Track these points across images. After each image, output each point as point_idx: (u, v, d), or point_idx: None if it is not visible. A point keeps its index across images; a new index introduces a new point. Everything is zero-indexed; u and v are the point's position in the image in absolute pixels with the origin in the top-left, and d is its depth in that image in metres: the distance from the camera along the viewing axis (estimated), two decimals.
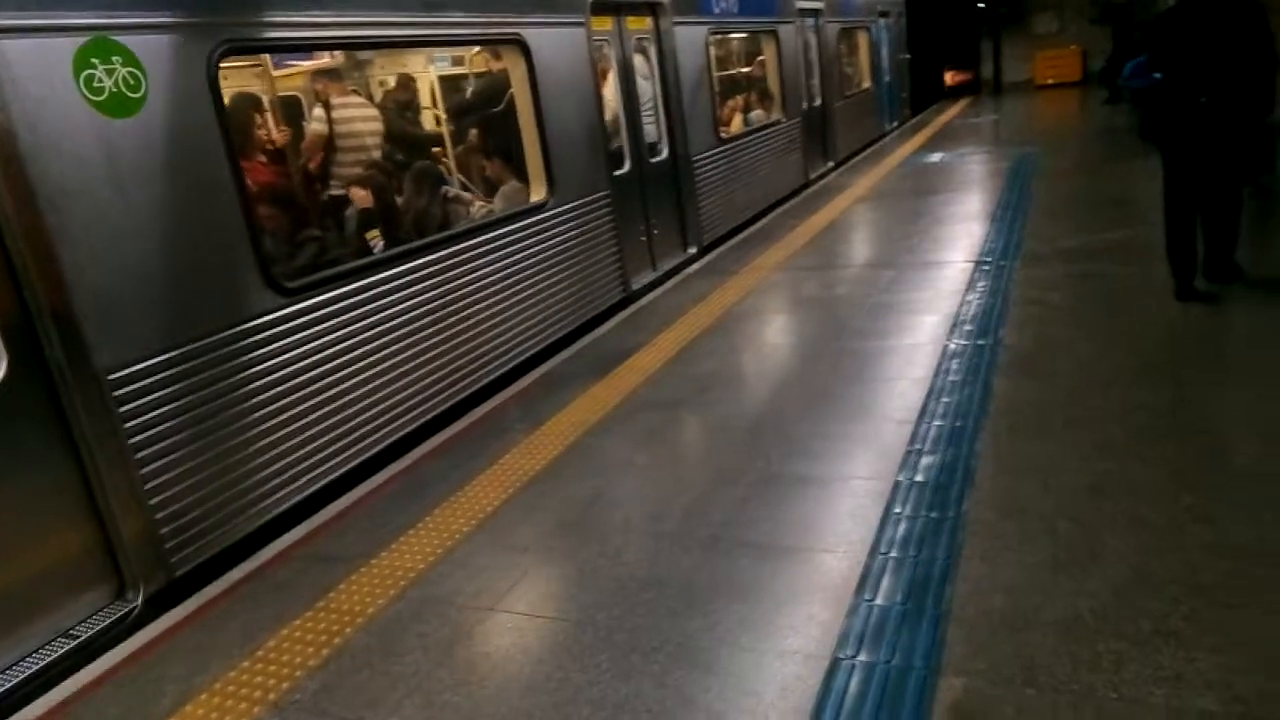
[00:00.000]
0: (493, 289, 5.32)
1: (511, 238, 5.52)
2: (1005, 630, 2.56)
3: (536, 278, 5.76)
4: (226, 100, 3.84)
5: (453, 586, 3.23)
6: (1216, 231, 5.27)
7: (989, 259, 6.67)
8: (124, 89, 3.32)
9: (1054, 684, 2.34)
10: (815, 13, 12.47)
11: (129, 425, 3.28)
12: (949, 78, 24.05)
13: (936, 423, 4.00)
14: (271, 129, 5.73)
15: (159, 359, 3.39)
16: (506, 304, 5.45)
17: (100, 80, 3.24)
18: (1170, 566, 2.74)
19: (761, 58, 11.20)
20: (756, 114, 10.73)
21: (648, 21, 7.72)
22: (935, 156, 12.97)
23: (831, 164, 13.14)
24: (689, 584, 3.04)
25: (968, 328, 5.20)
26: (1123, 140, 11.50)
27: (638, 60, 7.61)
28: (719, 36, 9.58)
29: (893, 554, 3.05)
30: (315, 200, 5.63)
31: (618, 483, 3.95)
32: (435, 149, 6.80)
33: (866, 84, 15.90)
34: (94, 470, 3.22)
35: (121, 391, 3.26)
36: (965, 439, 3.80)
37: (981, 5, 22.32)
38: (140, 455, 3.32)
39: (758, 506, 3.51)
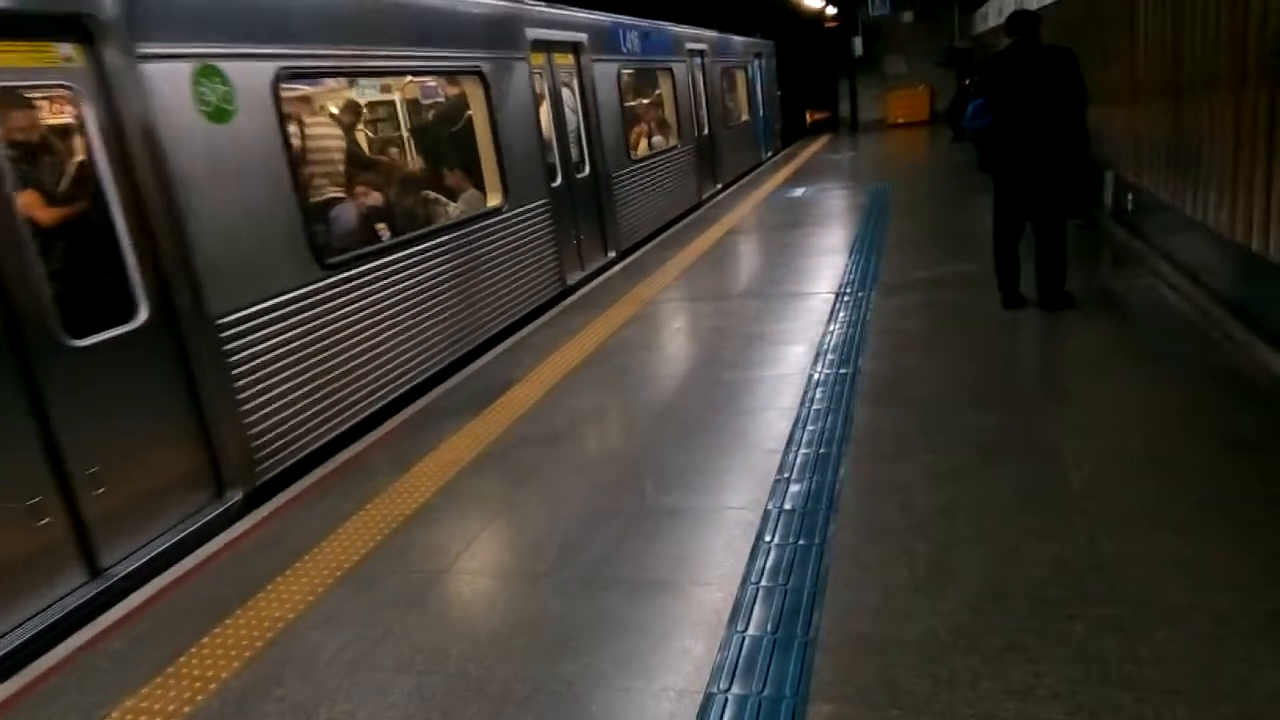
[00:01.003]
0: (468, 273, 6.44)
1: (478, 233, 6.66)
2: (870, 654, 2.64)
3: (499, 266, 6.90)
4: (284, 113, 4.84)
5: (314, 644, 3.07)
6: (1046, 263, 5.73)
7: (849, 290, 6.97)
8: (222, 102, 4.33)
9: (916, 704, 2.42)
10: (701, 53, 14.08)
11: (231, 360, 4.23)
12: (810, 116, 25.22)
13: (803, 451, 4.12)
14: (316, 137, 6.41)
15: (250, 310, 4.36)
16: (480, 286, 6.59)
17: (207, 96, 4.25)
18: (1017, 583, 2.90)
19: (659, 91, 12.59)
20: (658, 139, 12.07)
21: (571, 58, 8.98)
22: (798, 191, 13.51)
23: (719, 186, 14.64)
24: (563, 626, 3.00)
25: (830, 357, 5.40)
26: (967, 176, 12.30)
27: (565, 91, 8.81)
28: (628, 72, 10.95)
29: (763, 583, 3.11)
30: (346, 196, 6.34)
31: (491, 524, 3.87)
32: (417, 160, 7.82)
33: (745, 117, 17.52)
34: (206, 396, 4.14)
35: (226, 334, 4.21)
36: (830, 466, 3.93)
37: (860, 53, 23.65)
38: (238, 384, 4.26)
39: (633, 542, 3.51)
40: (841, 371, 5.11)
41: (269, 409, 4.44)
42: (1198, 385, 4.37)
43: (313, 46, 5.09)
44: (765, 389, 5.06)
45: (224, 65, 4.35)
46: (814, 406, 4.63)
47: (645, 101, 12.35)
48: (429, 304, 5.89)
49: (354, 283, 5.14)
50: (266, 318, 4.46)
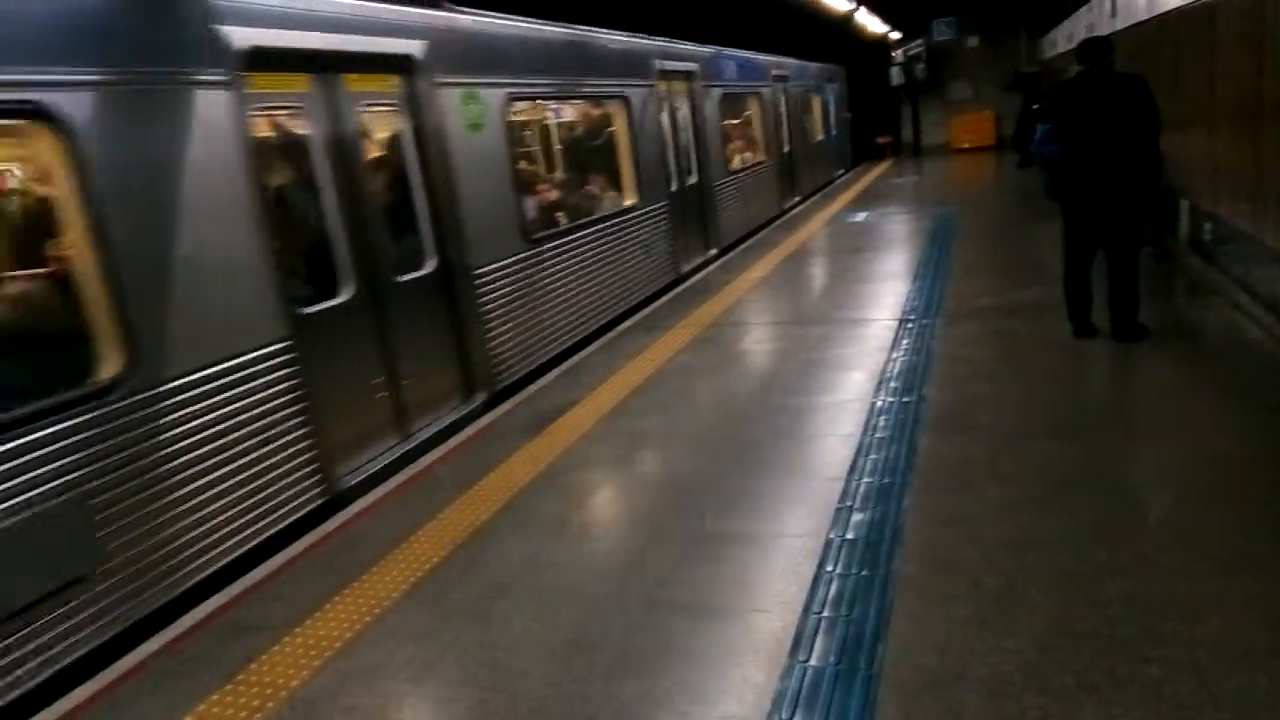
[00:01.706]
0: (613, 255, 8.18)
1: (620, 226, 8.38)
2: (935, 689, 2.60)
3: (634, 252, 8.65)
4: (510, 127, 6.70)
5: (382, 656, 3.14)
6: (1119, 293, 5.60)
7: (913, 316, 6.89)
8: (478, 118, 6.08)
9: None
10: (784, 78, 15.60)
11: (480, 300, 5.93)
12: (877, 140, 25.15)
13: (866, 479, 4.09)
14: (524, 147, 8.32)
15: (493, 267, 6.09)
16: (622, 266, 8.35)
17: (470, 112, 5.98)
18: (1090, 620, 2.83)
19: (749, 113, 14.15)
20: (749, 155, 13.68)
21: (684, 84, 10.69)
22: (860, 216, 13.42)
23: (798, 198, 16.13)
24: (624, 648, 3.01)
25: (894, 384, 5.34)
26: (1035, 202, 12.07)
27: (679, 113, 10.51)
28: (727, 96, 12.52)
29: (825, 613, 3.08)
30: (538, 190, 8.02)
31: (552, 543, 3.91)
32: (579, 166, 9.21)
33: (820, 136, 19.17)
34: (465, 324, 5.77)
35: (479, 282, 5.91)
36: (894, 495, 3.88)
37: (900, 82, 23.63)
38: (484, 317, 5.95)
39: (693, 566, 3.51)
40: (905, 399, 5.05)
41: (501, 337, 6.14)
42: (1278, 421, 4.22)
43: (528, 77, 7.03)
44: (826, 415, 5.03)
45: (480, 91, 6.13)
46: (877, 434, 4.59)
47: (738, 121, 13.78)
48: (591, 273, 7.70)
49: (546, 254, 6.91)
50: (499, 273, 6.17)
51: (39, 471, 3.16)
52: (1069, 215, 5.76)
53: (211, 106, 3.99)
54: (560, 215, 7.76)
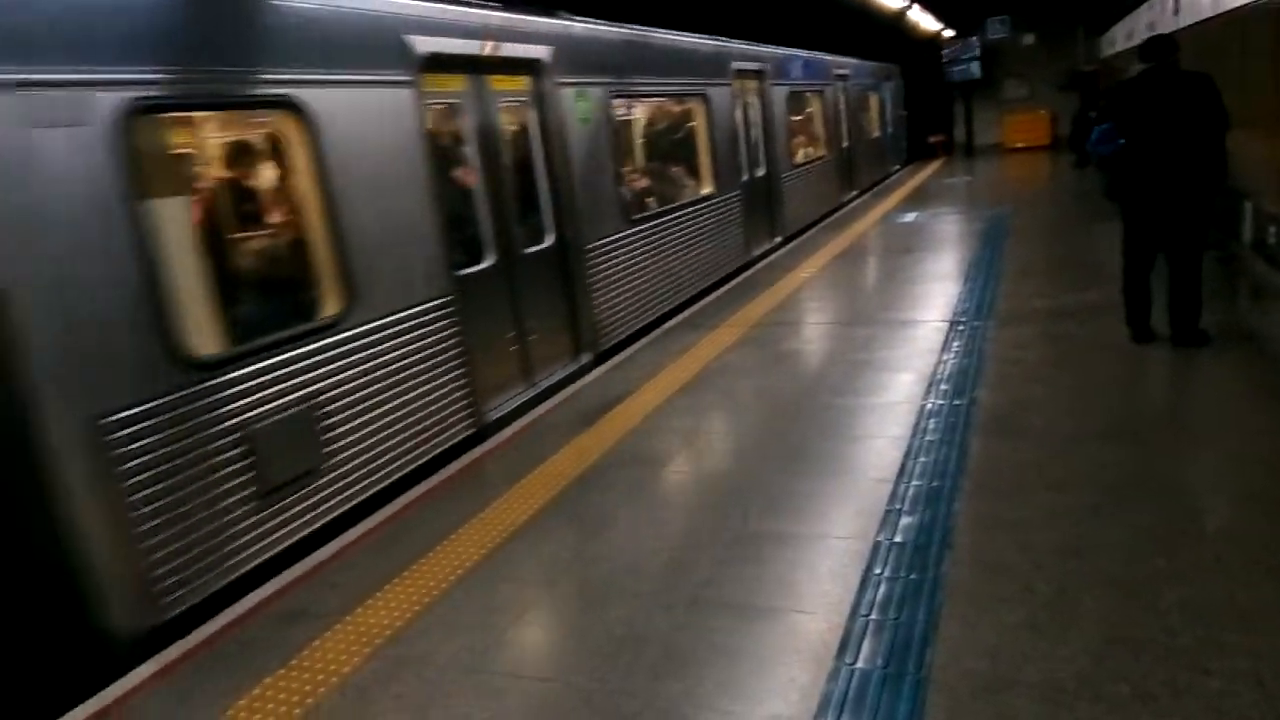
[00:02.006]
0: (695, 237, 8.94)
1: (700, 211, 9.17)
2: (985, 695, 2.57)
3: (712, 235, 9.40)
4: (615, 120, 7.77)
5: (430, 645, 3.19)
6: (1180, 297, 5.45)
7: (964, 318, 6.79)
8: (586, 113, 6.92)
9: None
10: (844, 77, 15.82)
11: (589, 272, 6.78)
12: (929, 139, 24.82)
13: (915, 482, 4.04)
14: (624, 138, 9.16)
15: (598, 243, 6.95)
16: (702, 246, 9.10)
17: (581, 107, 6.84)
18: (1146, 628, 2.77)
19: (811, 110, 14.58)
20: (810, 150, 14.14)
21: (755, 83, 11.16)
22: (910, 216, 13.26)
23: (856, 191, 16.58)
24: (669, 645, 3.02)
25: (944, 387, 5.27)
26: (1090, 203, 11.82)
27: (752, 107, 11.07)
28: (793, 94, 13.13)
29: (873, 616, 3.06)
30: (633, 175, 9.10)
31: (599, 539, 3.93)
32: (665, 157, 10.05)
33: (877, 133, 19.47)
34: (576, 292, 6.64)
35: (588, 256, 6.77)
36: (943, 499, 3.84)
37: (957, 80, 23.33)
38: (592, 288, 6.80)
39: (738, 565, 3.51)
40: (956, 402, 4.98)
41: (605, 305, 6.98)
42: None
43: (626, 77, 7.85)
44: (874, 417, 4.99)
45: (589, 89, 7.00)
46: (927, 437, 4.53)
47: (801, 118, 14.11)
48: (678, 252, 8.54)
49: (642, 233, 7.78)
50: (604, 249, 7.04)
51: (291, 383, 4.04)
52: (1129, 216, 5.62)
53: (401, 102, 4.87)
54: (652, 200, 8.69)
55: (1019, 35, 23.80)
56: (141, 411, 3.37)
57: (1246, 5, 7.30)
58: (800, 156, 13.33)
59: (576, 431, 5.20)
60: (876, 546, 3.51)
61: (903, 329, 6.82)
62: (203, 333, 3.74)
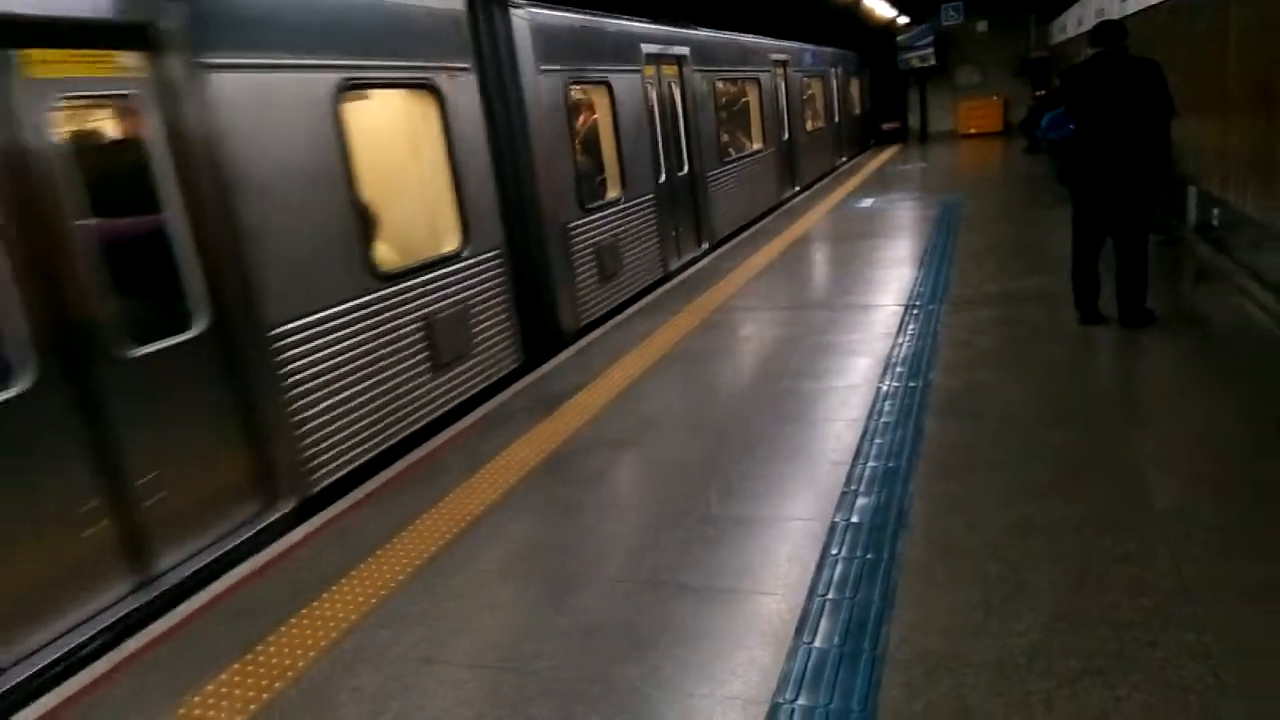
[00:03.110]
0: (750, 177, 12.43)
1: (754, 159, 12.80)
2: (940, 672, 2.61)
3: (760, 179, 12.98)
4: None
5: (389, 637, 3.16)
6: (1127, 279, 5.57)
7: (919, 303, 6.87)
8: (706, 92, 10.62)
9: None
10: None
11: (708, 194, 10.66)
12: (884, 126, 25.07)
13: (871, 464, 4.09)
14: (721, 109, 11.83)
15: (712, 174, 10.75)
16: (749, 189, 12.34)
17: (701, 88, 10.42)
18: (1095, 605, 2.83)
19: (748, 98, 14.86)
20: (742, 144, 14.34)
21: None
22: (867, 202, 13.38)
23: (798, 188, 16.67)
24: (631, 629, 3.03)
25: (899, 370, 5.34)
26: (1042, 188, 12.03)
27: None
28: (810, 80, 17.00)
29: (830, 596, 3.09)
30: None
31: (560, 526, 3.92)
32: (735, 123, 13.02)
33: (823, 123, 19.42)
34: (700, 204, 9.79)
35: (709, 183, 10.68)
36: (899, 480, 3.89)
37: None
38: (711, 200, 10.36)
39: (699, 549, 3.52)
40: (911, 385, 5.05)
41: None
42: None
43: (721, 66, 11.30)
44: (832, 400, 5.03)
45: (705, 75, 10.42)
46: (882, 419, 4.59)
47: (733, 108, 13.87)
48: (733, 190, 11.47)
49: (720, 176, 11.03)
50: (715, 178, 10.58)
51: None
52: (1078, 200, 5.73)
53: (637, 81, 8.28)
54: (730, 153, 11.93)
55: (972, 22, 24.07)
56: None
57: None
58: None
59: (537, 419, 5.18)
60: (834, 527, 3.55)
61: (860, 313, 6.89)
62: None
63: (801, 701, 2.59)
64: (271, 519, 4.09)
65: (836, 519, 3.62)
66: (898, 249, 9.50)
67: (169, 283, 3.76)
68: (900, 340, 5.93)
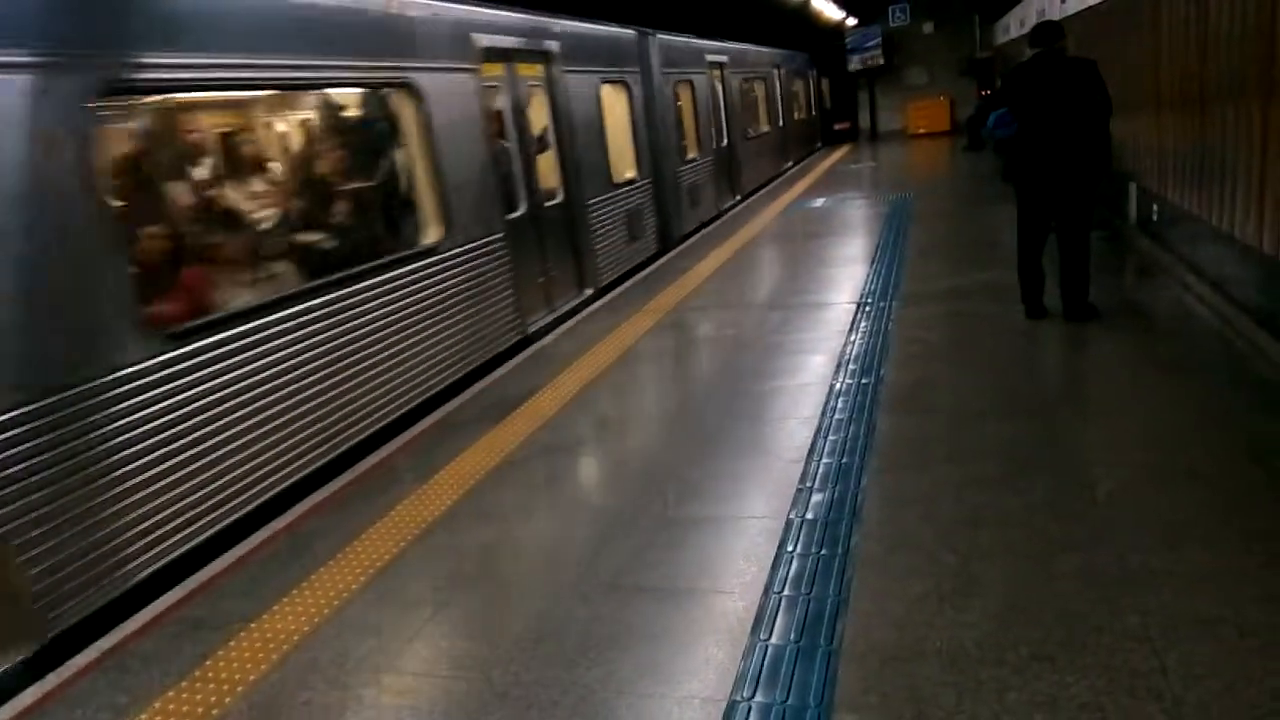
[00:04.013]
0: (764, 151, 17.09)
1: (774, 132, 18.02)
2: (894, 664, 2.64)
3: (779, 147, 18.47)
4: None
5: (340, 649, 3.10)
6: (1070, 274, 5.70)
7: (870, 300, 6.96)
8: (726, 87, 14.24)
9: (941, 715, 2.41)
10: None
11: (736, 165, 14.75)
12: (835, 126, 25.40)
13: (825, 460, 4.12)
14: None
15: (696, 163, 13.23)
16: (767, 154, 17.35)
17: (730, 83, 14.55)
18: (1043, 594, 2.88)
19: (757, 93, 17.62)
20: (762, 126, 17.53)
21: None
22: (819, 201, 13.51)
23: (791, 162, 19.85)
24: (587, 633, 3.01)
25: (852, 366, 5.39)
26: (988, 186, 12.25)
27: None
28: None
29: (786, 592, 3.11)
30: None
31: (515, 531, 3.89)
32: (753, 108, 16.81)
33: (800, 116, 21.92)
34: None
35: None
36: (852, 475, 3.92)
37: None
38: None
39: (655, 550, 3.51)
40: (863, 381, 5.10)
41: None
42: (1225, 396, 4.34)
43: (740, 69, 15.18)
44: (787, 398, 5.06)
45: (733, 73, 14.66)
46: (836, 416, 4.63)
47: (758, 97, 17.52)
48: (758, 152, 16.02)
49: (748, 145, 15.40)
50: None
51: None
52: (1022, 197, 5.85)
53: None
54: (750, 129, 16.04)
55: (918, 23, 24.48)
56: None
57: None
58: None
59: (491, 425, 5.13)
60: (789, 524, 3.57)
61: (814, 311, 6.95)
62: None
63: (759, 699, 2.59)
64: (581, 299, 8.10)
65: (792, 516, 3.64)
66: (849, 247, 9.61)
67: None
68: (853, 337, 5.99)
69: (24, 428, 3.23)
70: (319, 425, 4.66)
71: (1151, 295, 6.40)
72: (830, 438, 4.37)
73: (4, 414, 3.18)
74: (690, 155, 12.12)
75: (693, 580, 3.28)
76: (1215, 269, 5.72)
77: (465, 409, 5.52)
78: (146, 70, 3.89)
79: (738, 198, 14.57)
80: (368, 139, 5.86)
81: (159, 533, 3.72)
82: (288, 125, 5.89)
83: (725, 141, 14.18)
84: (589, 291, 8.31)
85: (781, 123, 19.10)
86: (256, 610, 3.39)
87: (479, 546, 3.76)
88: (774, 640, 2.85)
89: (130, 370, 3.63)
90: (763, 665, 2.73)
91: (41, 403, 3.29)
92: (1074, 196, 5.57)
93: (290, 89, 5.24)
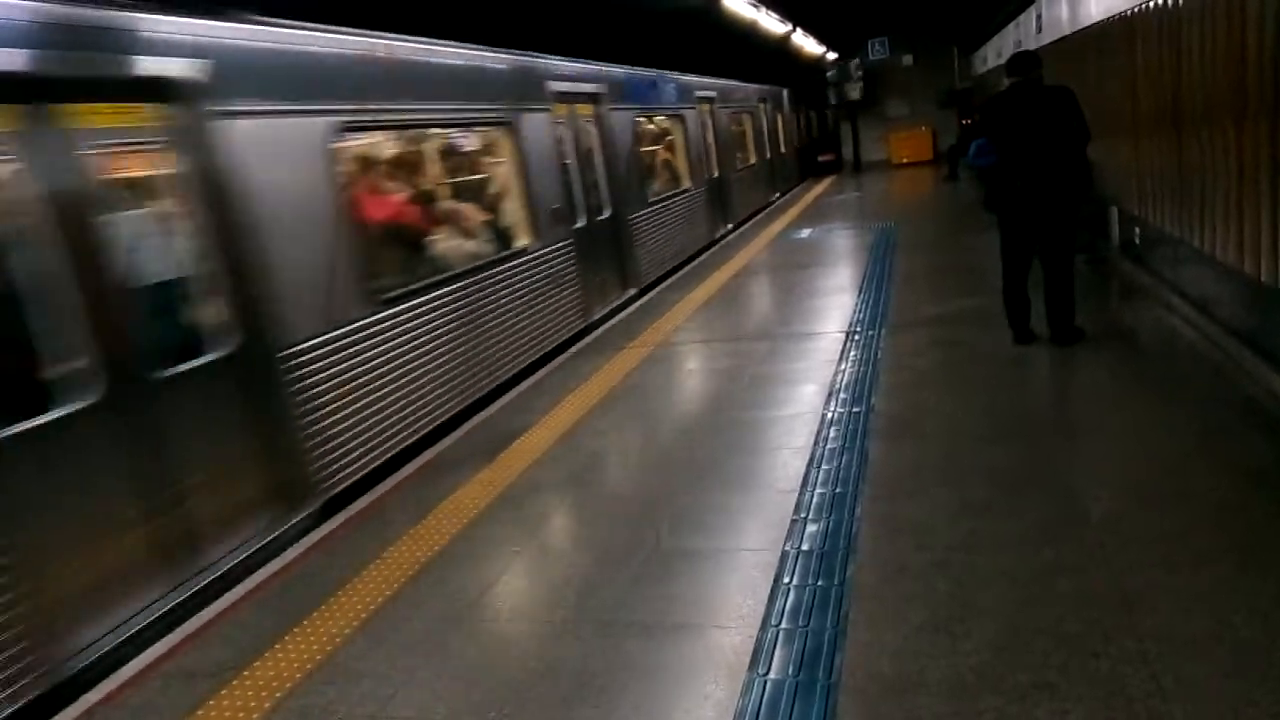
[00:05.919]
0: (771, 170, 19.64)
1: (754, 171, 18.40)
2: (894, 696, 2.62)
3: (771, 178, 19.93)
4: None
5: (334, 695, 3.06)
6: (1055, 298, 5.75)
7: (859, 329, 6.99)
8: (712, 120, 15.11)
9: None
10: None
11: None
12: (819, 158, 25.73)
13: (819, 490, 4.12)
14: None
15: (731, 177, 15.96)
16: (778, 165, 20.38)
17: (720, 119, 15.69)
18: (1040, 619, 2.88)
19: (743, 128, 18.09)
20: (748, 157, 18.04)
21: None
22: (805, 232, 13.62)
23: (778, 194, 20.37)
24: (582, 671, 2.98)
25: (843, 395, 5.41)
26: (971, 214, 12.36)
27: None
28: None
29: (783, 625, 3.09)
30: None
31: (508, 570, 3.86)
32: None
33: (785, 149, 22.37)
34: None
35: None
36: (846, 505, 3.92)
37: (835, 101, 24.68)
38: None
39: (649, 585, 3.49)
40: (855, 410, 5.11)
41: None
42: (1211, 416, 4.36)
43: (728, 104, 15.96)
44: (778, 429, 5.07)
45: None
46: (828, 445, 4.63)
47: (742, 132, 17.73)
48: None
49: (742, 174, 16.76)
50: (737, 179, 16.31)
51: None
52: (1004, 225, 5.91)
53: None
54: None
55: (898, 56, 24.87)
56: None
57: (1100, 22, 7.80)
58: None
59: (482, 464, 5.11)
60: (785, 556, 3.55)
61: (803, 341, 6.98)
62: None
63: None
64: (626, 297, 9.58)
65: (787, 547, 3.63)
66: (836, 277, 9.68)
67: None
68: (843, 366, 6.02)
69: (324, 349, 4.89)
70: (463, 377, 6.21)
71: (1136, 317, 6.46)
72: (823, 467, 4.37)
73: (315, 338, 4.82)
74: (716, 173, 14.75)
75: (688, 615, 3.26)
76: (1198, 290, 5.77)
77: (458, 446, 5.50)
78: (367, 115, 5.62)
79: (729, 226, 15.25)
80: (488, 164, 7.74)
81: (385, 434, 5.28)
82: (440, 154, 7.49)
83: (768, 155, 19.18)
84: (633, 291, 9.97)
85: (769, 155, 19.60)
86: (248, 658, 3.35)
87: (472, 587, 3.72)
88: (772, 675, 2.82)
89: (365, 321, 5.23)
90: (761, 701, 2.71)
91: (328, 334, 4.90)
92: (1055, 222, 5.64)
93: (445, 126, 7.08)
